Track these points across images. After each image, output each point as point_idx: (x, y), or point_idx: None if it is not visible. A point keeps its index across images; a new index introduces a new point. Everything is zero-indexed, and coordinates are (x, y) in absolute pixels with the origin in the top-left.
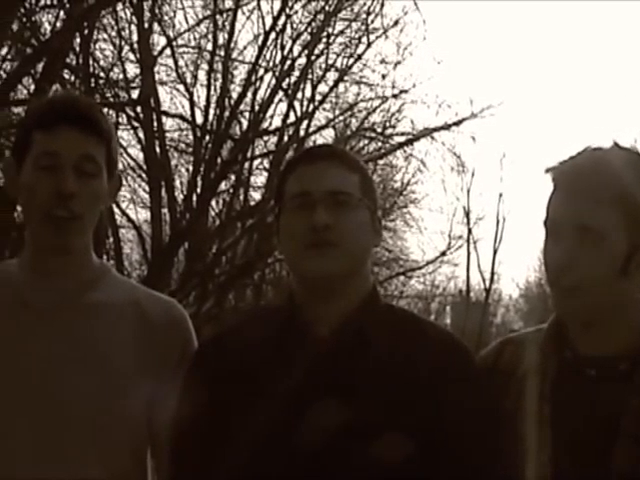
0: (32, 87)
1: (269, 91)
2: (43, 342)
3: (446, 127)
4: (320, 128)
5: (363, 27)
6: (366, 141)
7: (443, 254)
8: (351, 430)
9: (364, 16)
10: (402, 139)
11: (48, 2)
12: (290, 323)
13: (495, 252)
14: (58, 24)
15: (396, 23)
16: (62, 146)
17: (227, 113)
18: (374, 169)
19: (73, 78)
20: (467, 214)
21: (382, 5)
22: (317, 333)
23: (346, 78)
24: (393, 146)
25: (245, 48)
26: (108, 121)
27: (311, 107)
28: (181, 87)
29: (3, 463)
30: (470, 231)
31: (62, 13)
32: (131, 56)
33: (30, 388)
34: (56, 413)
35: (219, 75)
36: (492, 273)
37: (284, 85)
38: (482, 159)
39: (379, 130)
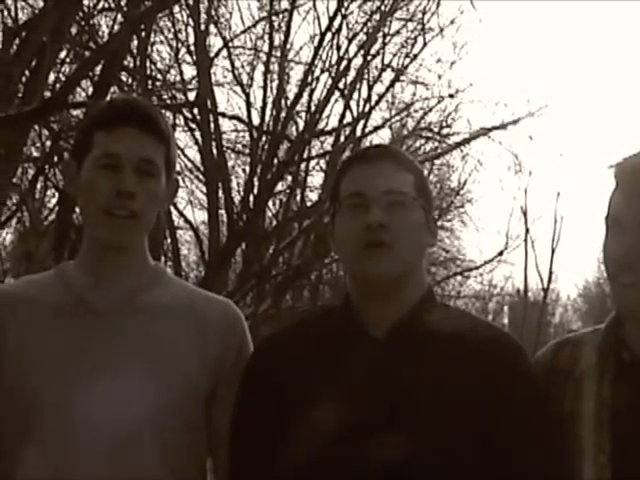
0: (90, 90)
1: (325, 91)
2: (103, 343)
3: (503, 126)
4: (376, 128)
5: (419, 26)
6: (422, 141)
7: (500, 254)
8: (407, 430)
9: (420, 15)
10: (458, 139)
11: (106, 5)
12: (346, 324)
13: (553, 251)
14: (116, 27)
15: (452, 22)
16: (123, 147)
17: (283, 114)
18: (430, 169)
19: (130, 80)
20: (524, 213)
21: (438, 4)
22: (372, 334)
23: (402, 78)
24: (450, 146)
25: (301, 49)
26: (167, 123)
27: (367, 107)
28: (237, 88)
29: (68, 463)
30: (527, 230)
31: (119, 16)
32: (188, 58)
33: (92, 389)
34: (119, 414)
35: (275, 76)
36: (550, 273)
37: (340, 85)
38: (539, 158)
39: (435, 130)
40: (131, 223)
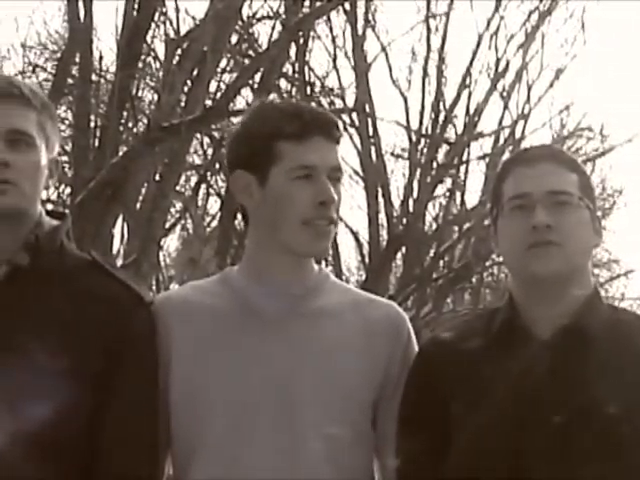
0: (250, 97)
1: (484, 93)
2: (274, 350)
3: None
4: (536, 129)
5: (579, 25)
6: (584, 141)
7: None
8: (574, 428)
9: (580, 14)
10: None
11: (264, 14)
12: (510, 325)
13: None
14: (274, 35)
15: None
16: (318, 157)
17: (442, 117)
18: (592, 169)
19: (289, 87)
20: None
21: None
22: (538, 335)
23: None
24: (612, 145)
25: (459, 51)
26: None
27: (527, 108)
28: (395, 92)
29: (244, 466)
30: None
31: (278, 24)
32: (345, 63)
33: (266, 396)
34: (291, 420)
35: (433, 79)
36: None
37: (499, 87)
38: None
39: (596, 130)
40: (330, 230)
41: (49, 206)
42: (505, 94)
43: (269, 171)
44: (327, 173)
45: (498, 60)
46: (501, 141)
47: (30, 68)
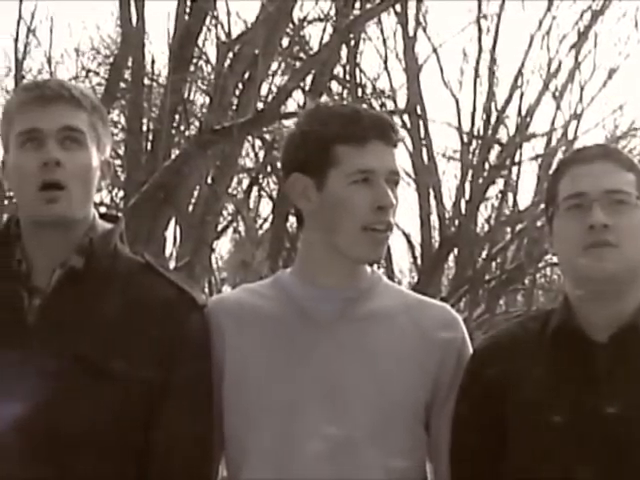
0: (302, 100)
1: (536, 94)
2: (325, 353)
3: None
4: (589, 130)
5: (632, 24)
6: (638, 141)
7: None
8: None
9: (633, 12)
10: None
11: (315, 16)
12: (565, 327)
13: None
14: (325, 37)
15: None
16: (376, 161)
17: (494, 118)
18: None
19: (341, 89)
20: None
21: None
22: (593, 337)
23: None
24: None
25: (511, 51)
26: None
27: (579, 108)
28: (447, 93)
29: (295, 468)
30: None
31: (329, 26)
32: (396, 65)
33: (316, 399)
34: (341, 423)
35: (485, 80)
36: None
37: (551, 87)
38: None
39: None
40: (387, 236)
41: (102, 209)
42: (557, 94)
43: (327, 175)
44: (385, 177)
45: (550, 60)
46: (553, 142)
47: (83, 73)
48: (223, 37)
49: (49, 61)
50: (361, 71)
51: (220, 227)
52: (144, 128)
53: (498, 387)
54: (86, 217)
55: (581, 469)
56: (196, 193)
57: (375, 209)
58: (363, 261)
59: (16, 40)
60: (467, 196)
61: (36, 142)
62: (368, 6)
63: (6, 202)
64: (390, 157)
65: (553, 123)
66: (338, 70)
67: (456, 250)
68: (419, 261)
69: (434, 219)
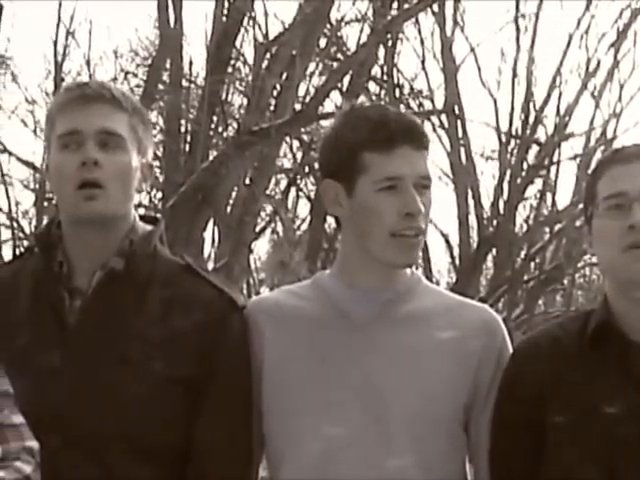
0: (339, 100)
1: (574, 93)
2: (362, 354)
3: None
4: (628, 129)
5: None
6: None
7: None
8: None
9: None
10: None
11: (353, 17)
12: (605, 328)
13: None
14: (363, 37)
15: None
16: (404, 168)
17: (532, 117)
18: None
19: (378, 90)
20: None
21: None
22: (633, 338)
23: None
24: None
25: (549, 51)
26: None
27: (618, 107)
28: (485, 93)
29: (333, 467)
30: None
31: (366, 27)
32: (434, 65)
33: (354, 400)
34: (379, 423)
35: (523, 79)
36: None
37: (590, 86)
38: None
39: None
40: (418, 242)
41: (141, 211)
42: (596, 93)
43: (356, 182)
44: (414, 182)
45: (589, 59)
46: (592, 141)
47: (122, 75)
48: (261, 38)
49: (88, 63)
50: (399, 71)
51: (258, 228)
52: (182, 130)
53: (538, 388)
54: (126, 218)
55: (623, 468)
56: (234, 194)
57: (403, 216)
58: (395, 266)
59: (55, 43)
60: (505, 196)
61: (75, 143)
62: (405, 6)
63: (46, 204)
64: (419, 161)
65: (592, 122)
66: (376, 70)
67: (494, 250)
68: (457, 261)
69: (472, 219)
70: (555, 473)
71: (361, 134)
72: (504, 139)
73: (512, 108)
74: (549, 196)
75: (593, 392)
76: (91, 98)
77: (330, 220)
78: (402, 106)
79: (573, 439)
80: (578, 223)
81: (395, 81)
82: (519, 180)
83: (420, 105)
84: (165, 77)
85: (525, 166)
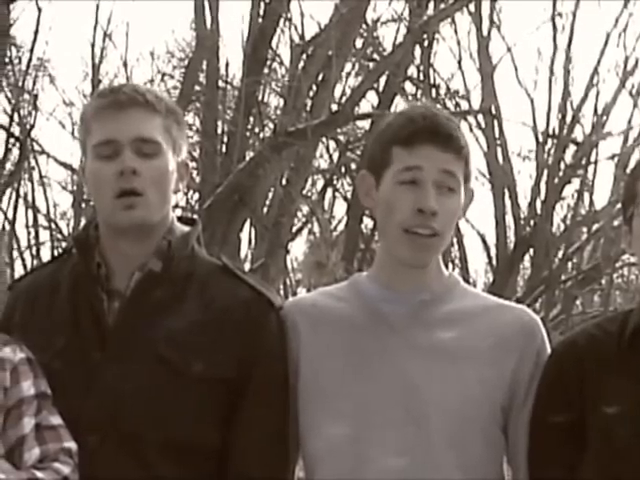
0: (375, 101)
1: (612, 92)
2: (398, 356)
3: None
4: None
5: None
6: None
7: None
8: None
9: None
10: None
11: (389, 17)
12: None
13: None
14: (399, 38)
15: None
16: (422, 163)
17: (569, 117)
18: None
19: (415, 90)
20: None
21: None
22: None
23: None
24: None
25: (586, 49)
26: (465, 135)
27: None
28: (522, 93)
29: (370, 467)
30: None
31: (402, 27)
32: (471, 64)
33: (390, 401)
34: (417, 425)
35: (560, 79)
36: None
37: (628, 85)
38: None
39: None
40: (432, 242)
41: (177, 212)
42: (634, 92)
43: (383, 175)
44: (434, 179)
45: (627, 58)
46: (630, 141)
47: (158, 76)
48: (297, 39)
49: (125, 65)
50: (435, 71)
51: (295, 229)
52: (219, 131)
53: (576, 389)
54: (164, 220)
55: None
56: (271, 195)
57: (415, 211)
58: (405, 263)
59: (93, 45)
60: (542, 196)
61: (112, 152)
62: (442, 6)
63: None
64: (441, 160)
65: (630, 122)
66: (412, 71)
67: (532, 250)
68: (494, 262)
69: (509, 219)
70: (594, 474)
71: (393, 130)
72: (541, 139)
73: (549, 107)
74: (587, 196)
75: (632, 392)
76: (125, 104)
77: (367, 221)
78: (439, 106)
79: (614, 440)
80: (616, 223)
81: (431, 81)
82: (556, 180)
83: (457, 105)
84: (202, 78)
85: (562, 166)
